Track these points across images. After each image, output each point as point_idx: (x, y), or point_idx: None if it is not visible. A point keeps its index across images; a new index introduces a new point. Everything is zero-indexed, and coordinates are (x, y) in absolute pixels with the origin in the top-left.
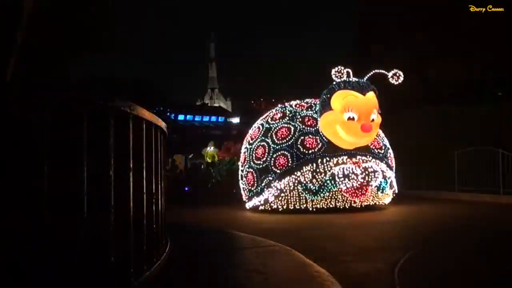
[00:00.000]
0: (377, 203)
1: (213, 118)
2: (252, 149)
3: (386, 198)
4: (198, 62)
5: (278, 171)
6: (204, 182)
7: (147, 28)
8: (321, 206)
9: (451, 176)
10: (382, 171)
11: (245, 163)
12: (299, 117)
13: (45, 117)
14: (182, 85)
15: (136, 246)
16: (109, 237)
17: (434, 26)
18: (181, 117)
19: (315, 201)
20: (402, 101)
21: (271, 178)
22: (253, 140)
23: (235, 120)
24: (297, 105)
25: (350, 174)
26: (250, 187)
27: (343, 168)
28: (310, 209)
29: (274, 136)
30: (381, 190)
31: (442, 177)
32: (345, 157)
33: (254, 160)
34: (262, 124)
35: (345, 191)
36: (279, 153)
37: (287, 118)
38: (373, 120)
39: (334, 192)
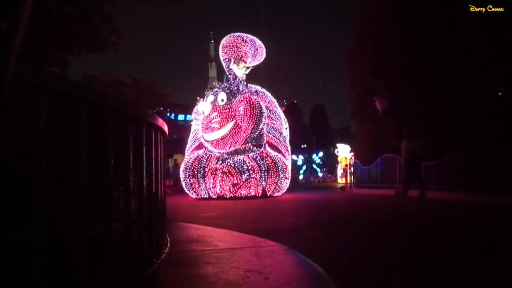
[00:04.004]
0: None
1: None
2: None
3: None
4: (199, 62)
5: None
6: None
7: (147, 28)
8: None
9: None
10: None
11: None
12: None
13: (43, 115)
14: (182, 85)
15: (136, 246)
16: (109, 237)
17: (433, 26)
18: (181, 117)
19: None
20: (401, 101)
21: None
22: None
23: None
24: None
25: None
26: None
27: None
28: None
29: None
30: None
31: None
32: None
33: None
34: None
35: None
36: None
37: None
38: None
39: None
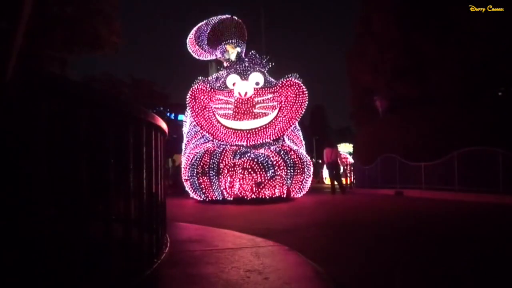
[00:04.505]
0: None
1: None
2: None
3: None
4: (199, 62)
5: None
6: None
7: (147, 27)
8: None
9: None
10: None
11: None
12: None
13: (44, 115)
14: (182, 85)
15: (136, 246)
16: (109, 237)
17: (433, 26)
18: (181, 117)
19: None
20: (402, 101)
21: None
22: None
23: None
24: None
25: None
26: None
27: None
28: None
29: None
30: None
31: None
32: None
33: None
34: None
35: None
36: None
37: None
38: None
39: None
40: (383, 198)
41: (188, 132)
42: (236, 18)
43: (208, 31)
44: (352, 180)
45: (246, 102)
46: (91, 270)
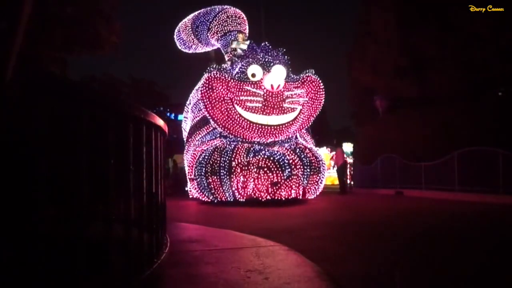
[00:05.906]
0: None
1: None
2: None
3: None
4: (198, 62)
5: None
6: None
7: (146, 27)
8: None
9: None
10: None
11: None
12: None
13: (44, 115)
14: (182, 85)
15: (136, 246)
16: (109, 237)
17: (433, 26)
18: (181, 117)
19: None
20: (402, 101)
21: None
22: None
23: None
24: None
25: None
26: None
27: None
28: None
29: None
30: None
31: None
32: None
33: None
34: None
35: None
36: None
37: None
38: None
39: None
40: (384, 198)
41: (190, 129)
42: (238, 10)
43: (210, 20)
44: (350, 180)
45: (276, 95)
46: (91, 270)
